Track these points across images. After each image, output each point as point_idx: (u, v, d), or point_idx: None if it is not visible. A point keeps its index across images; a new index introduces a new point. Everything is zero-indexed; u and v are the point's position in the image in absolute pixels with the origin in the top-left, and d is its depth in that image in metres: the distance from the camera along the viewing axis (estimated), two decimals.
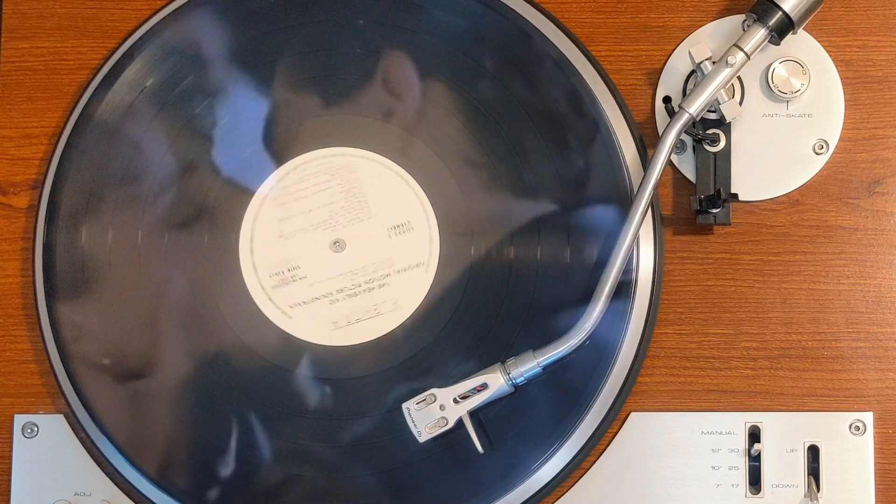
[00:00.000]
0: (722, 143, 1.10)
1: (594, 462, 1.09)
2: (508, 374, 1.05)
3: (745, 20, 1.10)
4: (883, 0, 1.13)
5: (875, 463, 1.08)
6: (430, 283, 1.10)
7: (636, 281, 1.09)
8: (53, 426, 1.11)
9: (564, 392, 1.08)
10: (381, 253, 1.11)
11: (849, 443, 1.08)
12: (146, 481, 1.09)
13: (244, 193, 1.12)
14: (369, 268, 1.11)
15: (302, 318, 1.10)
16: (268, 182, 1.11)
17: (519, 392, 1.06)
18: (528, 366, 1.05)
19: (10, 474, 1.11)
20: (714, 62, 1.08)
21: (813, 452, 1.09)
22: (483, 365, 1.07)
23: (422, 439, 1.06)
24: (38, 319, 1.11)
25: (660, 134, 1.11)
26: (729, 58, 1.07)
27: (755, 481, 1.09)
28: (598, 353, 1.08)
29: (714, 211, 1.09)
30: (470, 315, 1.09)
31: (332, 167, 1.12)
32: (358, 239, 1.11)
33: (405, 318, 1.10)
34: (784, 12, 1.07)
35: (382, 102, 1.12)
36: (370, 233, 1.11)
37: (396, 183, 1.11)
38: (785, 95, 1.10)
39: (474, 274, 1.10)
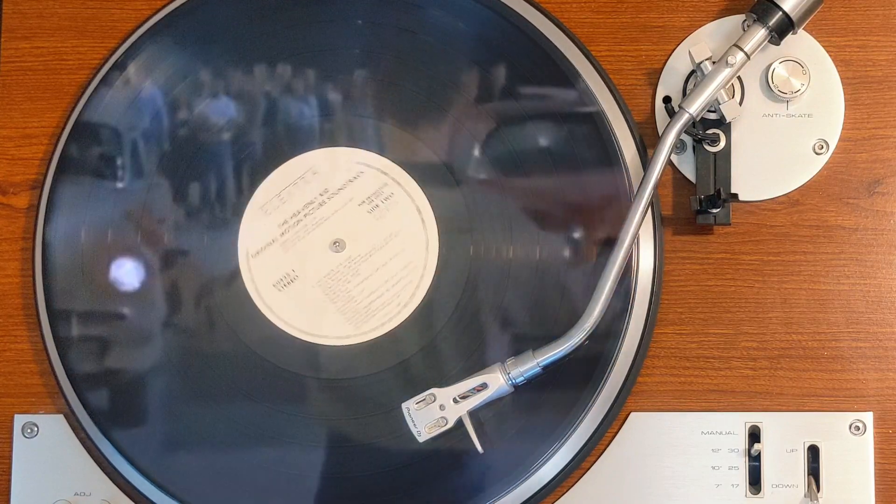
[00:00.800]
0: (722, 143, 1.10)
1: (594, 462, 1.09)
2: (508, 374, 1.05)
3: (745, 20, 1.10)
4: (883, 0, 1.13)
5: (875, 463, 1.08)
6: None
7: (636, 281, 1.09)
8: (53, 426, 1.11)
9: (564, 392, 1.08)
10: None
11: (849, 443, 1.08)
12: (146, 481, 1.09)
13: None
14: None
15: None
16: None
17: (519, 392, 1.06)
18: (528, 366, 1.05)
19: (10, 474, 1.11)
20: (714, 62, 1.08)
21: (813, 452, 1.09)
22: (483, 365, 1.07)
23: (421, 439, 1.06)
24: (38, 319, 1.11)
25: (660, 134, 1.11)
26: (729, 58, 1.07)
27: (755, 481, 1.09)
28: (597, 353, 1.08)
29: (714, 211, 1.08)
30: (470, 315, 1.09)
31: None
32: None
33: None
34: (784, 12, 1.07)
35: (382, 102, 1.12)
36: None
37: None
38: (785, 95, 1.10)
39: (474, 274, 1.10)
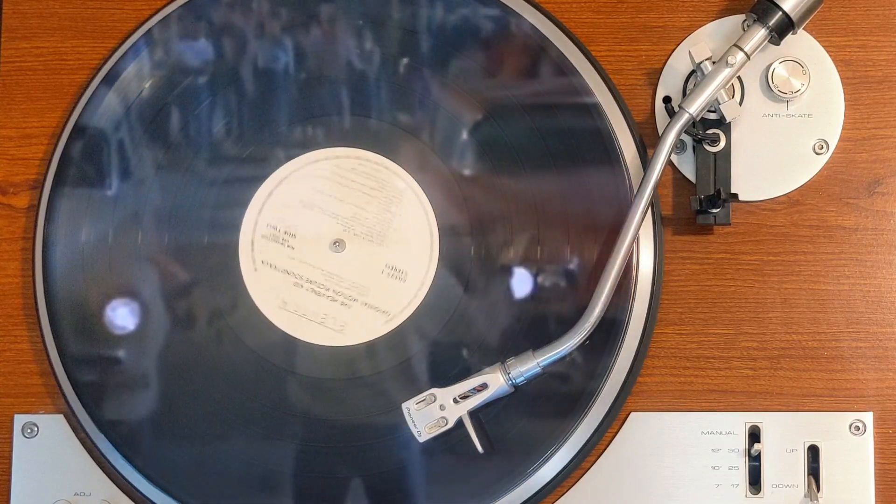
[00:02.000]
0: (722, 143, 1.10)
1: (594, 462, 1.09)
2: (508, 374, 1.05)
3: (745, 20, 1.10)
4: (883, 0, 1.13)
5: (875, 463, 1.08)
6: (430, 282, 1.10)
7: (636, 281, 1.09)
8: (53, 426, 1.11)
9: (564, 392, 1.08)
10: (382, 247, 1.11)
11: (849, 443, 1.08)
12: (146, 481, 1.09)
13: (243, 194, 1.11)
14: (371, 261, 1.11)
15: (303, 320, 1.10)
16: (265, 183, 1.11)
17: (519, 392, 1.06)
18: (528, 366, 1.05)
19: (10, 474, 1.11)
20: (714, 62, 1.08)
21: (813, 452, 1.09)
22: (483, 365, 1.07)
23: (422, 439, 1.06)
24: (38, 319, 1.11)
25: (660, 134, 1.11)
26: (729, 58, 1.07)
27: (755, 481, 1.09)
28: (597, 353, 1.08)
29: (714, 211, 1.08)
30: (470, 315, 1.09)
31: (330, 167, 1.12)
32: (356, 236, 1.11)
33: (405, 318, 1.10)
34: (784, 12, 1.07)
35: (382, 103, 1.12)
36: (368, 229, 1.11)
37: (395, 183, 1.11)
38: (785, 95, 1.10)
39: (474, 274, 1.10)
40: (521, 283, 1.09)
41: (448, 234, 1.10)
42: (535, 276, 1.09)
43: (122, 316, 1.10)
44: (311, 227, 1.11)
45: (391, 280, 1.10)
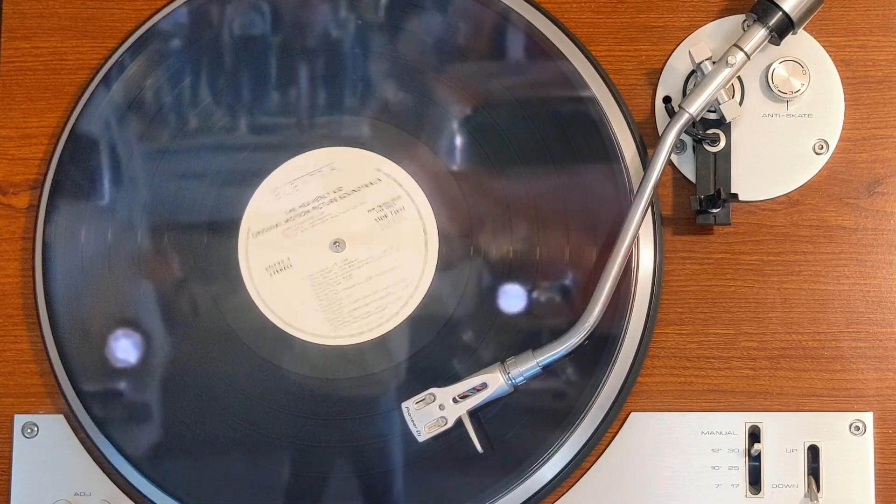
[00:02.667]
0: (722, 143, 1.10)
1: (594, 462, 1.09)
2: (508, 373, 1.05)
3: (745, 20, 1.10)
4: (883, 0, 1.13)
5: (875, 463, 1.08)
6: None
7: (636, 281, 1.09)
8: (53, 426, 1.11)
9: (564, 392, 1.08)
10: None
11: (849, 443, 1.08)
12: (146, 481, 1.09)
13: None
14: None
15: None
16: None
17: (518, 392, 1.06)
18: (528, 365, 1.05)
19: (10, 474, 1.11)
20: (714, 62, 1.08)
21: (813, 452, 1.08)
22: (482, 365, 1.07)
23: (421, 439, 1.06)
24: (38, 319, 1.11)
25: (660, 134, 1.11)
26: (729, 58, 1.07)
27: (755, 481, 1.09)
28: (597, 353, 1.08)
29: (714, 211, 1.08)
30: (470, 315, 1.09)
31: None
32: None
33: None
34: (784, 12, 1.07)
35: (382, 103, 1.12)
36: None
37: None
38: (785, 95, 1.10)
39: (474, 274, 1.10)
40: (521, 283, 1.09)
41: (447, 233, 1.10)
42: (535, 276, 1.09)
43: (122, 316, 1.10)
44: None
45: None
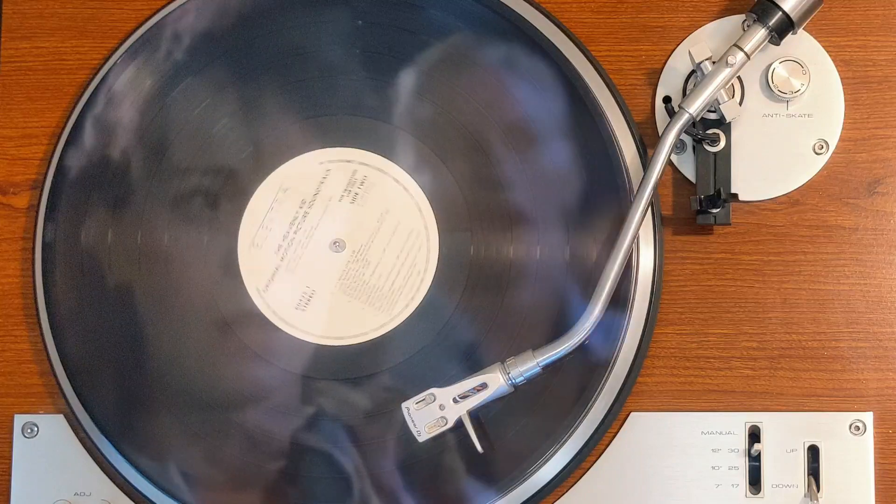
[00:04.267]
0: (722, 143, 1.10)
1: (594, 462, 1.09)
2: (508, 373, 1.05)
3: (745, 20, 1.10)
4: (883, 0, 1.13)
5: (875, 463, 1.08)
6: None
7: (636, 281, 1.09)
8: (53, 426, 1.11)
9: (564, 392, 1.08)
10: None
11: (849, 443, 1.08)
12: (146, 481, 1.09)
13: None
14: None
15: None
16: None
17: (519, 392, 1.06)
18: (528, 365, 1.05)
19: (10, 474, 1.11)
20: (714, 62, 1.08)
21: (813, 452, 1.08)
22: (483, 365, 1.07)
23: (421, 439, 1.06)
24: (38, 319, 1.11)
25: (660, 134, 1.11)
26: (729, 58, 1.07)
27: (755, 481, 1.09)
28: (598, 353, 1.08)
29: (714, 211, 1.08)
30: (470, 315, 1.09)
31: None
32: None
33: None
34: (784, 12, 1.07)
35: (382, 103, 1.12)
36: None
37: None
38: (785, 95, 1.10)
39: (474, 273, 1.10)
40: (521, 283, 1.09)
41: (447, 234, 1.10)
42: (535, 276, 1.09)
43: (122, 316, 1.10)
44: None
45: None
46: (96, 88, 1.12)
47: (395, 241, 1.10)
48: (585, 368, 1.08)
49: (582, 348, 1.05)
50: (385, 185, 1.11)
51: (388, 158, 1.11)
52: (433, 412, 1.05)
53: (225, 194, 1.11)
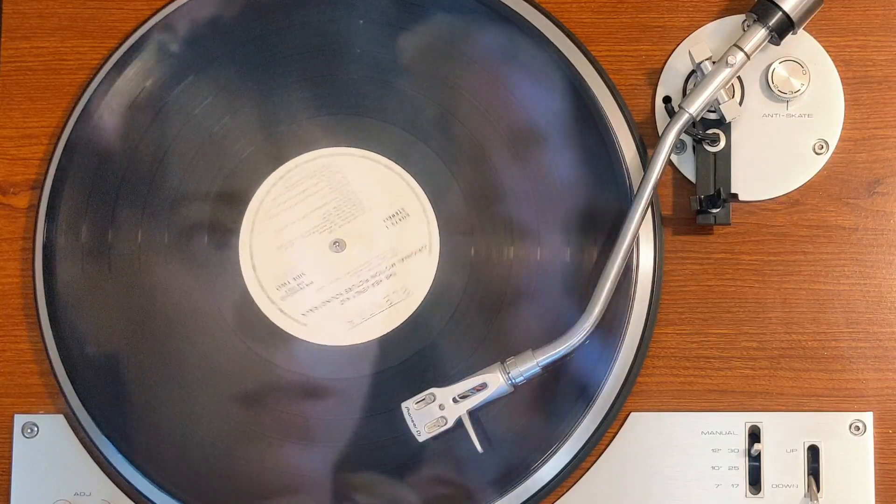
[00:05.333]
0: (722, 143, 1.10)
1: (594, 462, 1.09)
2: (508, 373, 1.05)
3: (745, 20, 1.10)
4: (883, 0, 1.13)
5: (875, 463, 1.08)
6: (430, 283, 1.10)
7: (636, 281, 1.09)
8: (53, 426, 1.11)
9: (564, 392, 1.08)
10: (381, 250, 1.11)
11: (849, 443, 1.08)
12: (146, 481, 1.09)
13: (244, 192, 1.12)
14: (373, 262, 1.11)
15: (316, 323, 1.10)
16: (266, 181, 1.12)
17: (519, 392, 1.06)
18: (528, 365, 1.05)
19: (10, 474, 1.11)
20: (714, 62, 1.08)
21: (813, 452, 1.08)
22: (483, 365, 1.07)
23: (421, 439, 1.06)
24: (38, 319, 1.11)
25: (660, 134, 1.11)
26: (729, 58, 1.07)
27: (755, 481, 1.09)
28: (597, 353, 1.08)
29: (714, 211, 1.08)
30: (470, 315, 1.09)
31: (330, 167, 1.12)
32: (357, 236, 1.11)
33: (405, 317, 1.10)
34: (784, 12, 1.07)
35: (383, 102, 1.12)
36: (368, 230, 1.11)
37: (397, 183, 1.11)
38: (785, 95, 1.10)
39: (474, 274, 1.10)
40: (521, 283, 1.09)
41: (447, 234, 1.10)
42: (535, 276, 1.09)
43: (122, 316, 1.10)
44: (310, 227, 1.11)
45: (391, 279, 1.10)
46: (96, 88, 1.12)
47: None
48: (585, 368, 1.08)
49: (583, 345, 1.06)
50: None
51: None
52: (433, 412, 1.05)
53: (226, 193, 1.11)
